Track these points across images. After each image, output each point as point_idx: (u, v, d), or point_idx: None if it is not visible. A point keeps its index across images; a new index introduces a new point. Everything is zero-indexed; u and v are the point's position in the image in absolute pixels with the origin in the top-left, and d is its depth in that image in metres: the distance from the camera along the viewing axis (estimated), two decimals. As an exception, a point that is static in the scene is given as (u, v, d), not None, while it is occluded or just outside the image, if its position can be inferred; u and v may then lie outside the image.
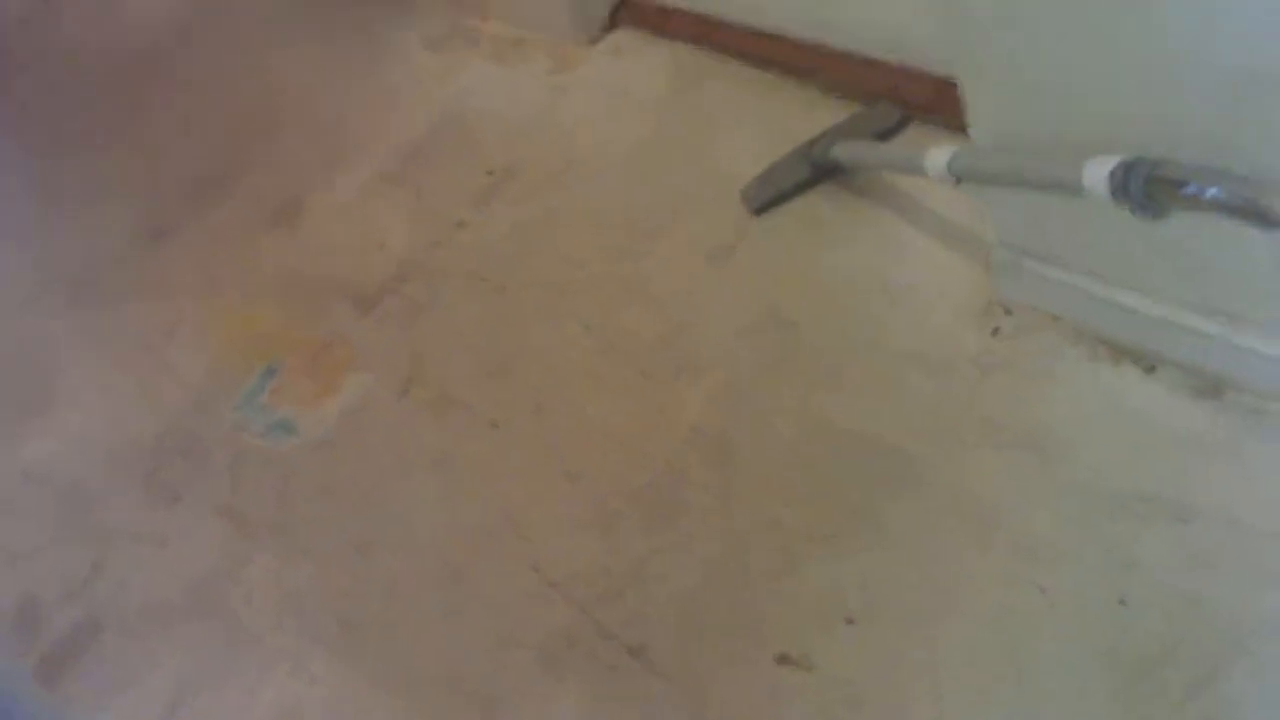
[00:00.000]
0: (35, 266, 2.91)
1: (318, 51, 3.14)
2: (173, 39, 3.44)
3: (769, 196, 2.32)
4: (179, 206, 2.93)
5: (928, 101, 2.29)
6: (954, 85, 1.89)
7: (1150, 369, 1.88)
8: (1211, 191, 1.49)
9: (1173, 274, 1.77)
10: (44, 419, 2.65)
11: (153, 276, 2.82)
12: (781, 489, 1.98)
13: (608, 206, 2.47)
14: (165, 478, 2.43)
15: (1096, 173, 1.57)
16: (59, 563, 2.38)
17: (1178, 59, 1.50)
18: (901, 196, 2.24)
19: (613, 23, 2.75)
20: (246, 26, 3.34)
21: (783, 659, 1.82)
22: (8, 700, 2.22)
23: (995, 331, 2.02)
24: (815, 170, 2.31)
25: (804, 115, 2.43)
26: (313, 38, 3.19)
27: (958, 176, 1.88)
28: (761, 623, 1.86)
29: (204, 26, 3.43)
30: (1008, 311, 2.03)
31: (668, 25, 2.68)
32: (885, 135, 2.32)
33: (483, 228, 2.56)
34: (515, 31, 2.87)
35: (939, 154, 1.90)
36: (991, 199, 1.95)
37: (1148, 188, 1.54)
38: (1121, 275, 1.86)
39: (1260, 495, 1.73)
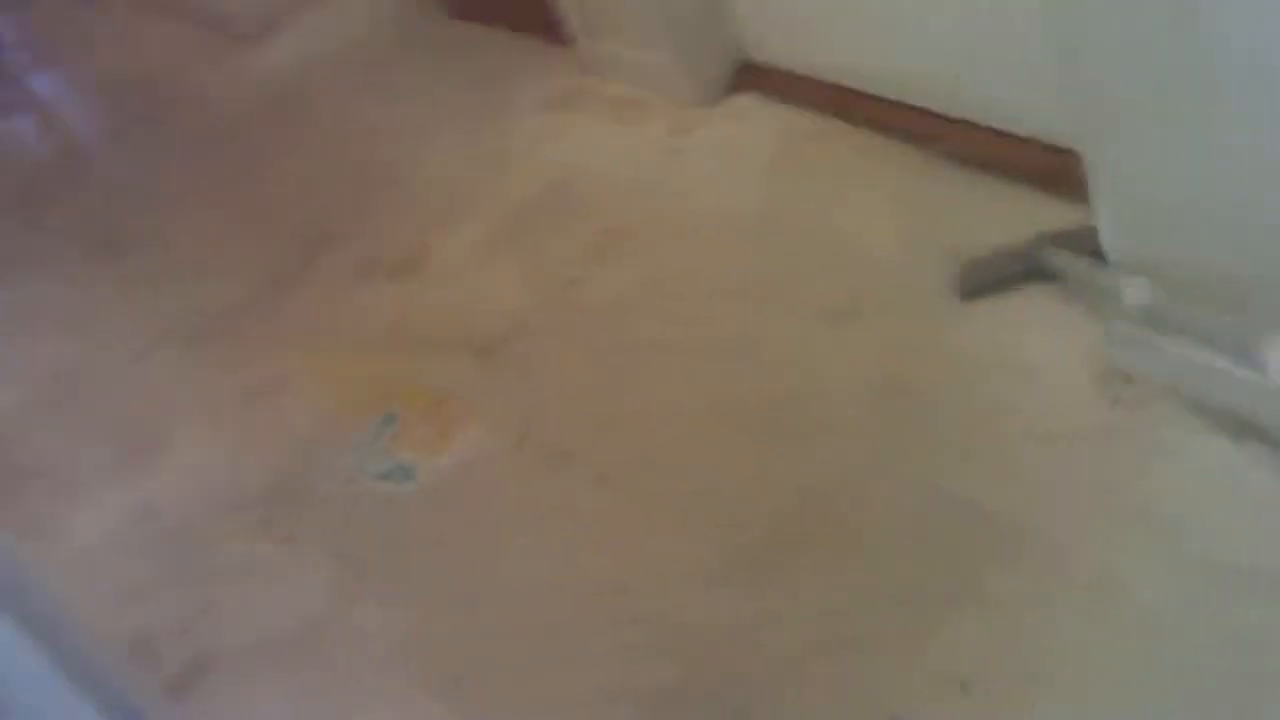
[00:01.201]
0: (156, 314, 2.98)
1: (434, 110, 3.20)
2: (294, 94, 3.52)
3: (982, 285, 2.26)
4: (297, 258, 2.98)
5: (1048, 173, 2.29)
6: (1077, 158, 1.90)
7: (1274, 445, 1.86)
8: None
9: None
10: (161, 460, 2.70)
11: (270, 325, 2.88)
12: (894, 555, 1.97)
13: (722, 269, 2.49)
14: (279, 519, 2.46)
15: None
16: (172, 600, 2.42)
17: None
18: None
19: (733, 86, 2.78)
20: (365, 83, 3.41)
21: (893, 725, 1.81)
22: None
23: (1115, 402, 2.01)
24: (1032, 270, 2.23)
25: (922, 183, 2.44)
26: (432, 95, 3.24)
27: None
28: (870, 689, 1.85)
29: (324, 82, 3.50)
30: (1128, 381, 2.02)
31: (788, 90, 2.70)
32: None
33: (596, 286, 2.59)
34: (634, 93, 2.90)
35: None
36: (1114, 270, 1.95)
37: None
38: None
39: (1385, 577, 1.71)
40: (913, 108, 2.50)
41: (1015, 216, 2.30)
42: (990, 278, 2.25)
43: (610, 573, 2.13)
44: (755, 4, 2.68)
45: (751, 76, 2.77)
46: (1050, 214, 2.26)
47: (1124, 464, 1.94)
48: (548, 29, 3.05)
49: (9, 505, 2.70)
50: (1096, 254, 2.09)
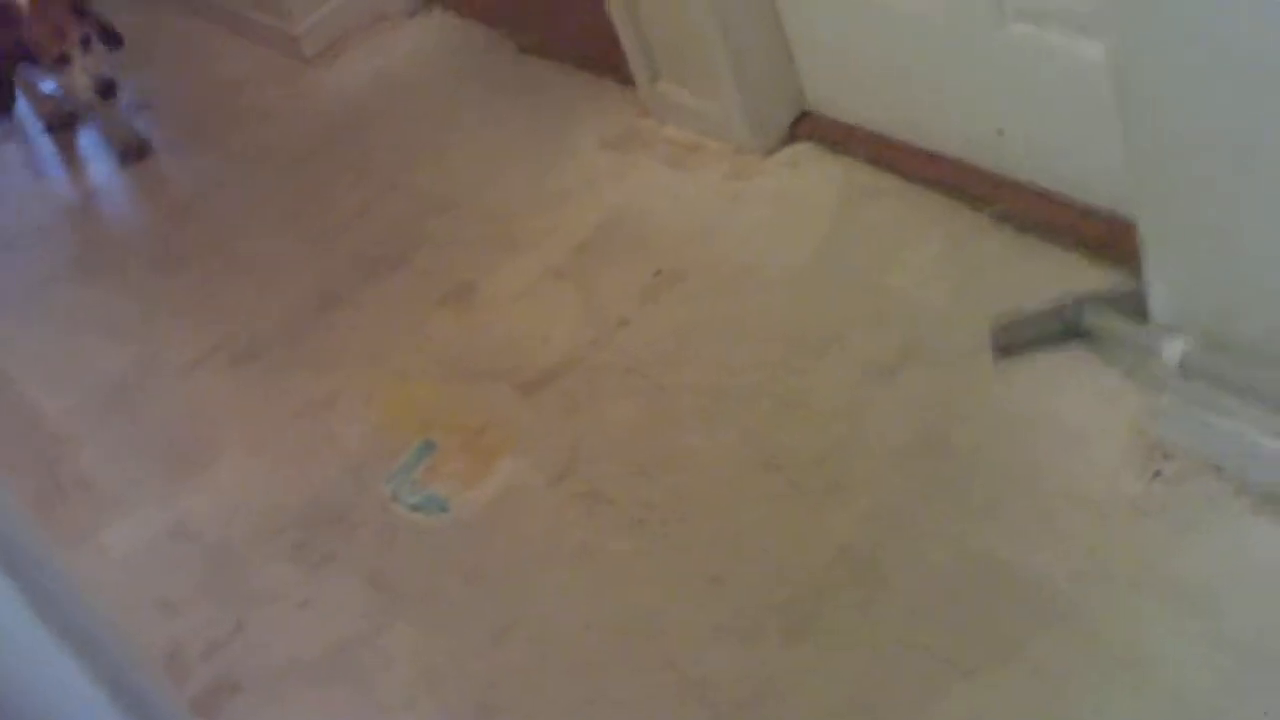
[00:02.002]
0: (209, 330, 3.00)
1: (495, 142, 3.21)
2: (357, 118, 3.54)
3: (1017, 343, 2.22)
4: (349, 282, 3.00)
5: (1104, 239, 2.28)
6: (1132, 226, 1.89)
7: (1318, 529, 1.85)
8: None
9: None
10: (201, 478, 2.72)
11: (318, 347, 2.90)
12: (928, 615, 1.96)
13: (772, 317, 2.49)
14: (314, 542, 2.47)
15: None
16: (204, 618, 2.43)
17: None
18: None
19: (792, 135, 2.78)
20: (428, 111, 3.43)
21: (917, 787, 1.80)
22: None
23: (1155, 475, 1.99)
24: (1069, 330, 2.18)
25: (973, 242, 2.43)
26: (491, 129, 3.26)
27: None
28: (897, 749, 1.85)
29: (387, 108, 3.52)
30: (1168, 456, 2.00)
31: (845, 141, 2.70)
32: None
33: (646, 327, 2.59)
34: (693, 137, 2.90)
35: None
36: (1163, 343, 1.93)
37: None
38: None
39: None
40: (967, 165, 2.49)
41: (1064, 280, 2.29)
42: (1026, 336, 2.22)
43: (642, 616, 2.13)
44: (816, 55, 2.68)
45: (810, 126, 2.77)
46: (1099, 279, 2.25)
47: (1162, 537, 1.92)
48: (613, 69, 3.06)
49: (50, 514, 2.72)
50: (1135, 315, 2.06)
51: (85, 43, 3.55)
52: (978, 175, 2.49)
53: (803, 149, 2.77)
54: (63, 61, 3.55)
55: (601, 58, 3.11)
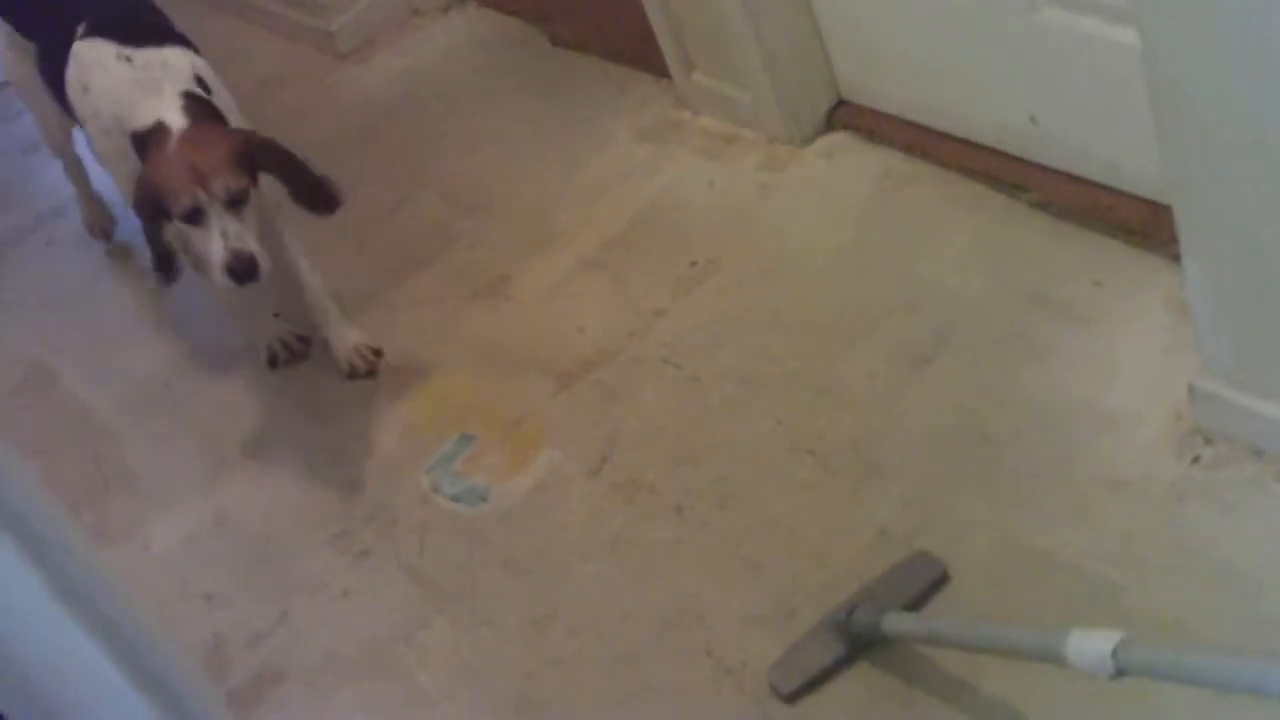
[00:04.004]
0: (241, 329, 3.01)
1: (529, 135, 3.22)
2: (390, 114, 3.55)
3: (802, 681, 1.96)
4: (387, 276, 3.01)
5: (1140, 225, 2.27)
6: (1169, 210, 1.89)
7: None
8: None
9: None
10: (241, 471, 2.74)
11: (355, 341, 2.91)
12: (967, 602, 1.96)
13: (808, 306, 2.49)
14: (355, 533, 2.49)
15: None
16: (247, 609, 2.45)
17: None
18: (1094, 323, 2.23)
19: (827, 125, 2.78)
20: (461, 106, 3.43)
21: (956, 775, 1.80)
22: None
23: (1194, 460, 1.99)
24: (857, 645, 1.96)
25: (1008, 229, 2.43)
26: (525, 122, 3.27)
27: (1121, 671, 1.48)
28: (937, 736, 1.85)
29: (420, 103, 3.53)
30: (1208, 441, 2.00)
31: (879, 130, 2.70)
32: (921, 598, 1.99)
33: (681, 317, 2.60)
34: (728, 128, 2.91)
35: (1094, 641, 1.49)
36: (1201, 329, 1.93)
37: None
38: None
39: None
40: (1001, 153, 2.49)
41: (1098, 266, 2.29)
42: (809, 672, 1.96)
43: (683, 604, 2.14)
44: (849, 44, 2.68)
45: (845, 116, 2.77)
46: (1134, 264, 2.25)
47: (1202, 521, 1.92)
48: (646, 60, 3.07)
49: (93, 508, 2.75)
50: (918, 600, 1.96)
51: (234, 202, 2.44)
52: (1012, 162, 2.49)
53: (838, 138, 2.77)
54: (194, 218, 2.44)
55: (635, 50, 3.11)
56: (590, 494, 2.36)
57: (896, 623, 1.88)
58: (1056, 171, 2.42)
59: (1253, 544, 1.87)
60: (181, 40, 2.78)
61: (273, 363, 2.93)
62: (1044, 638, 1.57)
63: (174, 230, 2.55)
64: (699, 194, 2.83)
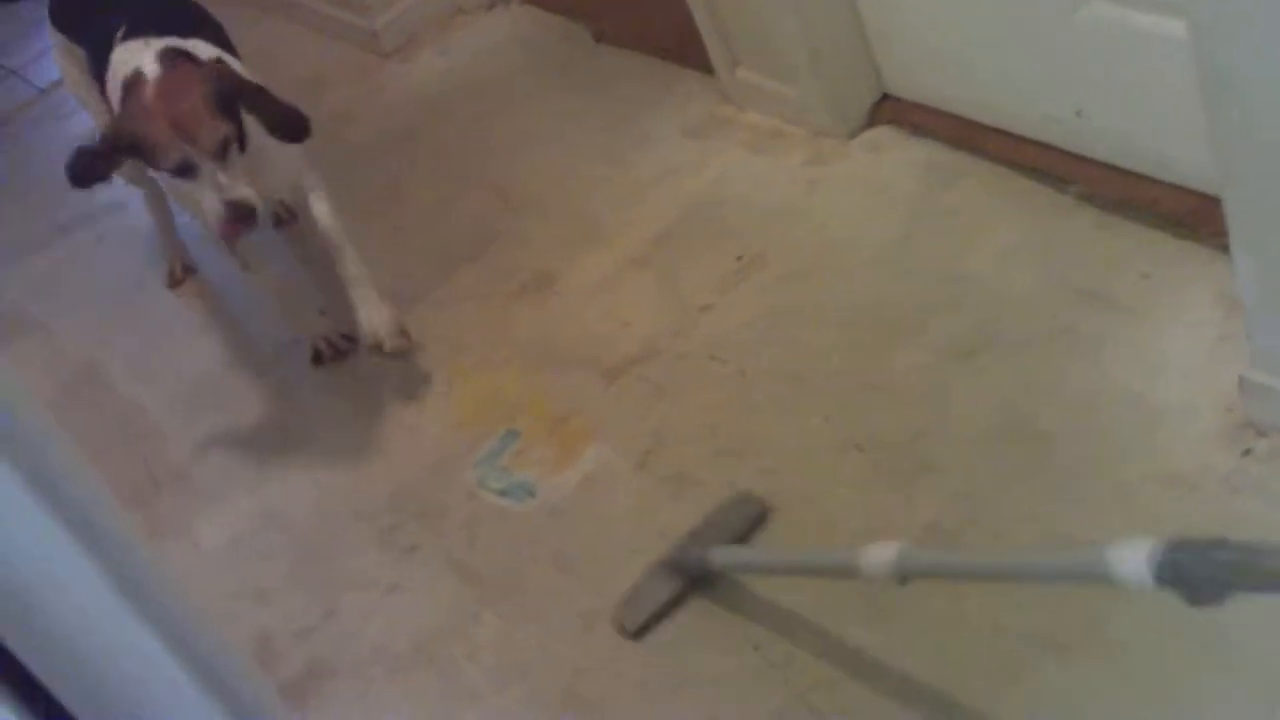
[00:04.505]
0: (287, 326, 3.03)
1: (574, 132, 3.22)
2: (434, 113, 3.56)
3: (645, 617, 2.15)
4: (432, 274, 3.02)
5: (1188, 217, 2.26)
6: (1218, 202, 1.88)
7: None
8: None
9: None
10: (288, 468, 2.76)
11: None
12: (1014, 595, 1.95)
13: (855, 301, 2.49)
14: (402, 528, 2.50)
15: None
16: (296, 605, 2.46)
17: None
18: (1142, 316, 2.22)
19: (872, 119, 2.78)
20: (506, 103, 3.44)
21: (1005, 766, 1.80)
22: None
23: (1246, 453, 1.98)
24: (691, 580, 2.15)
25: (1055, 222, 2.42)
26: (570, 119, 3.27)
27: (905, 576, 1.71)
28: (986, 728, 1.84)
29: (464, 102, 3.54)
30: (1260, 434, 1.99)
31: (925, 124, 2.69)
32: (745, 533, 2.19)
33: (727, 312, 2.60)
34: (773, 123, 2.90)
35: (881, 551, 1.72)
36: (1251, 320, 1.92)
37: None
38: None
39: None
40: (1047, 146, 2.48)
41: (1146, 258, 2.28)
42: (648, 609, 2.16)
43: (728, 598, 2.14)
44: (894, 38, 2.68)
45: (890, 110, 2.77)
46: (1183, 256, 2.24)
47: (1255, 514, 1.91)
48: (690, 57, 3.07)
49: (144, 506, 2.77)
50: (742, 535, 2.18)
51: (222, 150, 2.45)
52: (1058, 155, 2.48)
53: (883, 132, 2.77)
54: (185, 172, 2.46)
55: (680, 46, 3.11)
56: (637, 488, 2.37)
57: (723, 556, 2.11)
58: (1103, 164, 2.41)
59: (1304, 539, 1.85)
60: (215, 32, 2.82)
61: (317, 360, 2.94)
62: (836, 554, 1.95)
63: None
64: (745, 189, 2.83)
